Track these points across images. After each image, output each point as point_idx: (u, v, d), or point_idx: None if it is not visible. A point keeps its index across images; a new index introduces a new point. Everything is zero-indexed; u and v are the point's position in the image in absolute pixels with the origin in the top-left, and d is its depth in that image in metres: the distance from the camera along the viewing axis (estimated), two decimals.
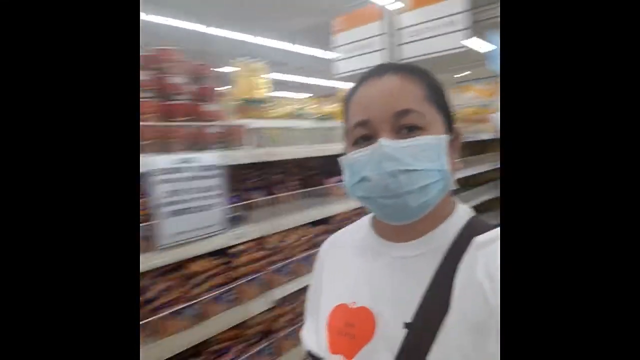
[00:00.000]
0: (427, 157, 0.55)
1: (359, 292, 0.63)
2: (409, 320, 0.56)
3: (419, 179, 0.55)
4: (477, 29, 3.32)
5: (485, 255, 0.53)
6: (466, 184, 3.73)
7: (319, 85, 10.88)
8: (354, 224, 0.76)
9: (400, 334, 0.56)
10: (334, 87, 8.13)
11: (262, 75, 2.59)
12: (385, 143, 0.55)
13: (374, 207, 0.60)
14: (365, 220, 0.72)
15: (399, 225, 0.60)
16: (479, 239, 0.56)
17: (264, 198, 1.79)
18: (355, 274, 0.66)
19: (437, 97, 0.60)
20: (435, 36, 3.29)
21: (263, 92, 2.55)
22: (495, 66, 4.07)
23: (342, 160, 0.62)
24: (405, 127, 0.56)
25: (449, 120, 0.61)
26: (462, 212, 0.64)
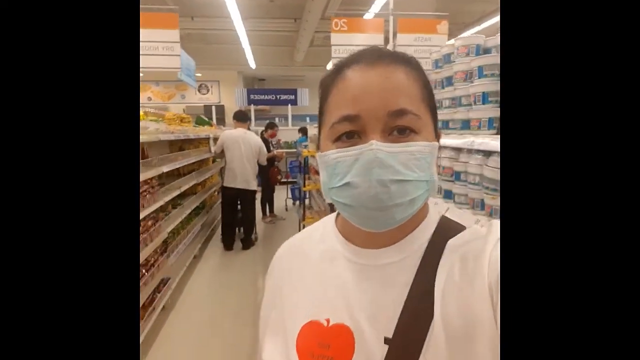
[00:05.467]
0: (419, 166, 0.50)
1: (332, 307, 0.56)
2: (389, 335, 0.51)
3: (410, 191, 0.50)
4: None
5: (462, 259, 0.51)
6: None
7: None
8: (312, 229, 0.68)
9: (381, 351, 0.50)
10: None
11: None
12: (378, 146, 0.48)
13: (354, 216, 0.53)
14: (327, 226, 0.65)
15: (374, 232, 0.53)
16: (453, 241, 0.54)
17: None
18: (325, 287, 0.58)
19: (430, 97, 0.55)
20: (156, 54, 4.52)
21: None
22: (183, 77, 4.96)
23: (320, 158, 0.54)
24: (398, 129, 0.50)
25: (435, 123, 0.56)
26: (433, 213, 0.60)
